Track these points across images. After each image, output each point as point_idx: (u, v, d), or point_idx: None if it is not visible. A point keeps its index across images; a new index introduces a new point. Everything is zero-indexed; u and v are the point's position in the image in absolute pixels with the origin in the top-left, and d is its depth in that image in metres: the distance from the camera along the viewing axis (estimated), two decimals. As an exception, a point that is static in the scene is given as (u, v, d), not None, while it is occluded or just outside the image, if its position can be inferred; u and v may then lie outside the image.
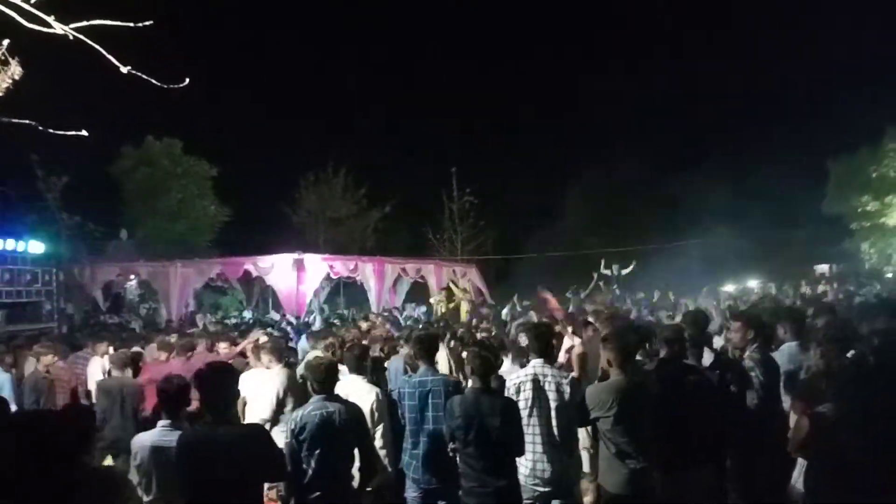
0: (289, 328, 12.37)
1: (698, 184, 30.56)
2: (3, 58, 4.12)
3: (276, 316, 16.52)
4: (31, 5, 3.60)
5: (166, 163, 27.24)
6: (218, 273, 18.17)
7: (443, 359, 5.82)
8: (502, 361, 5.67)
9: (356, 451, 4.11)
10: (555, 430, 4.31)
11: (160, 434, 3.77)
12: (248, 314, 19.72)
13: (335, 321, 14.56)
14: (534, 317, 10.24)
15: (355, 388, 4.73)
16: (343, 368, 5.05)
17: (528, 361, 4.64)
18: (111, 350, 8.55)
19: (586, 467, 5.59)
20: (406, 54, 60.09)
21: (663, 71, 53.18)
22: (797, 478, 4.04)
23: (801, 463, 3.95)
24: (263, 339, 6.91)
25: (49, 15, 3.61)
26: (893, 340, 4.61)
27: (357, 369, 4.96)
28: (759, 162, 33.05)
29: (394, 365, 6.42)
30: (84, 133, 4.34)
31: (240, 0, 52.23)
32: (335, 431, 3.94)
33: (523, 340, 5.81)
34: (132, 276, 18.94)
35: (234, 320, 17.23)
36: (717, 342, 6.88)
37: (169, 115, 28.34)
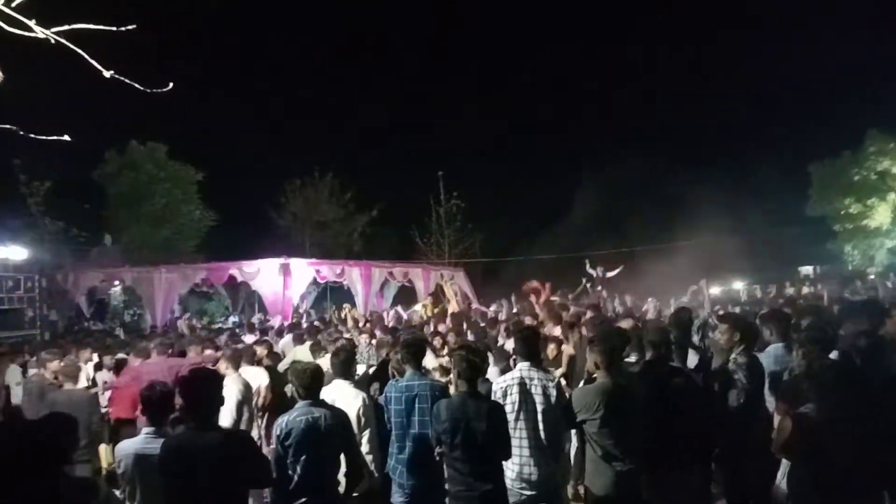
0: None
1: (684, 187, 30.78)
2: (-17, 62, 4.08)
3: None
4: (12, 9, 3.56)
5: (150, 167, 26.96)
6: (203, 278, 18.03)
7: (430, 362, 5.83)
8: (488, 365, 5.68)
9: (342, 457, 4.10)
10: (542, 433, 4.32)
11: (144, 442, 3.73)
12: (233, 319, 19.59)
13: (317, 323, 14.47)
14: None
15: (342, 394, 4.71)
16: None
17: (510, 366, 4.65)
18: (95, 357, 8.49)
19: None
20: (393, 58, 60.07)
21: (650, 78, 53.61)
22: (781, 479, 4.08)
23: (785, 464, 3.99)
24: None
25: (30, 19, 3.57)
26: (879, 342, 4.67)
27: (343, 374, 4.94)
28: (742, 165, 33.42)
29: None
30: (67, 138, 4.29)
31: (225, 4, 51.93)
32: (321, 437, 3.92)
33: (509, 345, 5.83)
34: (116, 282, 18.78)
35: (219, 325, 17.14)
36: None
37: (153, 119, 28.14)
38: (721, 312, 8.41)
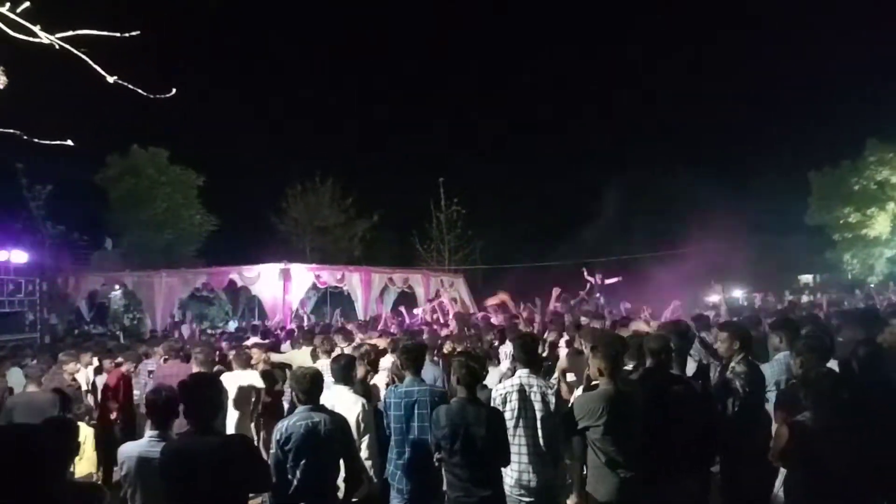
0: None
1: (683, 195, 30.83)
2: (-13, 67, 4.10)
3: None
4: (17, 14, 3.59)
5: (152, 172, 27.05)
6: (203, 283, 18.05)
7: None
8: (488, 372, 5.69)
9: (341, 462, 4.11)
10: (541, 440, 4.33)
11: (147, 445, 3.73)
12: (233, 324, 19.59)
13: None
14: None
15: (341, 399, 4.72)
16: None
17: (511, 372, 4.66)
18: (95, 361, 8.48)
19: None
20: (393, 58, 60.29)
21: (650, 78, 53.73)
22: (779, 486, 4.08)
23: (783, 472, 3.99)
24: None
25: (35, 24, 3.60)
26: (877, 351, 4.67)
27: (343, 380, 4.95)
28: (742, 173, 33.47)
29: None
30: (69, 143, 4.32)
31: (227, 10, 52.11)
32: (320, 442, 3.94)
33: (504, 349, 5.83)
34: (117, 286, 18.78)
35: (220, 329, 17.14)
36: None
37: (155, 124, 28.35)
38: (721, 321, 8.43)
